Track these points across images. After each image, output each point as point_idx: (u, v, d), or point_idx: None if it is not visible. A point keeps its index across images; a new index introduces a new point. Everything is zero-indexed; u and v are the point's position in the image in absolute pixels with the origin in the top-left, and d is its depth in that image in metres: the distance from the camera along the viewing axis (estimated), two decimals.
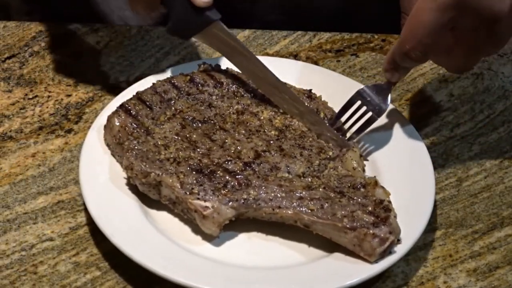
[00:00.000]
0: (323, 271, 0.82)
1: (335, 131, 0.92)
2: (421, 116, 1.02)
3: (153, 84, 0.96)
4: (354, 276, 0.81)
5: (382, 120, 0.95)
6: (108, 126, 0.91)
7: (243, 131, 0.91)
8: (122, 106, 0.92)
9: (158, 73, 1.01)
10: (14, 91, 1.03)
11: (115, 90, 1.01)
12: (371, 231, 0.82)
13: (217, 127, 0.92)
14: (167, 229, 0.86)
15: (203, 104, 0.95)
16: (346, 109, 0.94)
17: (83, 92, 1.03)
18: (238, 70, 0.97)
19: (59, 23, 1.13)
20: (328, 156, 0.90)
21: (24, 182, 0.93)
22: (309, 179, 0.87)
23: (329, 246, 0.85)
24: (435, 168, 0.92)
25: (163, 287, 0.82)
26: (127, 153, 0.87)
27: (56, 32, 1.11)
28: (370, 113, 0.93)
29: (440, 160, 0.97)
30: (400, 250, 0.83)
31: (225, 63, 0.99)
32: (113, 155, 0.91)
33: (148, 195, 0.87)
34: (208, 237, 0.85)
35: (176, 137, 0.90)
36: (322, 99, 0.96)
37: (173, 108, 0.94)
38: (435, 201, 0.91)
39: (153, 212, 0.88)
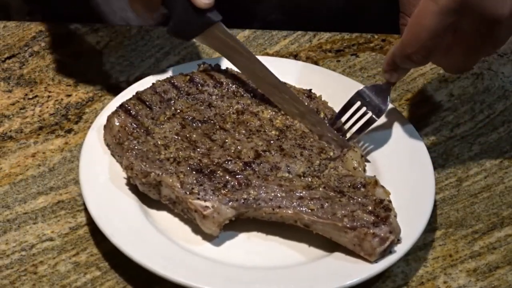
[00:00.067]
0: (323, 271, 0.82)
1: (336, 132, 0.92)
2: (421, 116, 1.02)
3: (153, 84, 0.96)
4: (354, 276, 0.81)
5: (382, 120, 0.95)
6: (108, 126, 0.91)
7: (243, 131, 0.91)
8: (122, 106, 0.92)
9: (158, 73, 1.01)
10: (14, 91, 1.03)
11: (115, 90, 1.01)
12: (371, 231, 0.82)
13: (217, 127, 0.92)
14: (167, 229, 0.86)
15: (203, 104, 0.95)
16: (346, 110, 0.94)
17: (83, 92, 1.03)
18: (238, 70, 0.97)
19: (59, 23, 1.13)
20: (329, 157, 0.90)
21: (24, 182, 0.93)
22: (309, 178, 0.87)
23: (329, 246, 0.85)
24: (435, 168, 0.92)
25: (163, 287, 0.82)
26: (127, 153, 0.87)
27: (56, 32, 1.11)
28: (369, 114, 0.93)
29: (440, 160, 0.97)
30: (400, 250, 0.83)
31: (225, 63, 0.99)
32: (113, 155, 0.91)
33: (148, 195, 0.87)
34: (208, 237, 0.85)
35: (176, 137, 0.90)
36: (322, 99, 0.96)
37: (173, 108, 0.94)
38: (435, 201, 0.91)
39: (153, 212, 0.88)
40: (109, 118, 0.91)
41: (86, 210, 0.88)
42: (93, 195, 0.86)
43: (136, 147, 0.88)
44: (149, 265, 0.80)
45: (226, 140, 0.90)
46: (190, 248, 0.84)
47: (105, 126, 0.92)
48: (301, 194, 0.85)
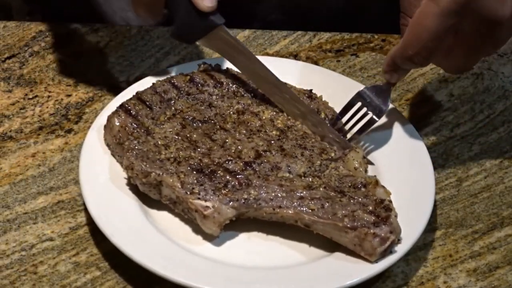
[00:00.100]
0: (324, 271, 0.82)
1: (337, 132, 0.92)
2: (421, 116, 1.02)
3: (153, 84, 0.96)
4: (355, 276, 0.81)
5: (382, 120, 0.95)
6: (108, 126, 0.91)
7: (244, 131, 0.91)
8: (122, 106, 0.92)
9: (158, 73, 1.01)
10: (14, 91, 1.03)
11: (115, 90, 1.01)
12: (371, 231, 0.82)
13: (218, 127, 0.92)
14: (167, 229, 0.86)
15: (203, 104, 0.95)
16: (347, 111, 0.94)
17: (83, 92, 1.03)
18: (238, 70, 0.97)
19: (59, 23, 1.13)
20: (330, 157, 0.90)
21: (24, 182, 0.93)
22: (310, 178, 0.87)
23: (330, 246, 0.85)
24: (435, 168, 0.92)
25: (163, 287, 0.82)
26: (128, 153, 0.87)
27: (56, 32, 1.11)
28: (370, 115, 0.93)
29: (440, 160, 0.97)
30: (400, 250, 0.83)
31: (225, 63, 0.99)
32: (113, 155, 0.91)
33: (149, 195, 0.87)
34: (208, 237, 0.85)
35: (176, 137, 0.90)
36: (323, 100, 0.96)
37: (173, 108, 0.94)
38: (435, 201, 0.91)
39: (153, 212, 0.88)
40: (109, 118, 0.91)
41: (86, 210, 0.88)
42: (93, 195, 0.86)
43: (136, 147, 0.88)
44: (149, 265, 0.80)
45: (227, 140, 0.90)
46: (191, 248, 0.84)
47: (105, 126, 0.92)
48: (301, 194, 0.85)
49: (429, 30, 0.84)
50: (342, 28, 1.14)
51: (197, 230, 0.85)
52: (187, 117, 0.92)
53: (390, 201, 0.85)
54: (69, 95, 1.03)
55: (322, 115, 0.94)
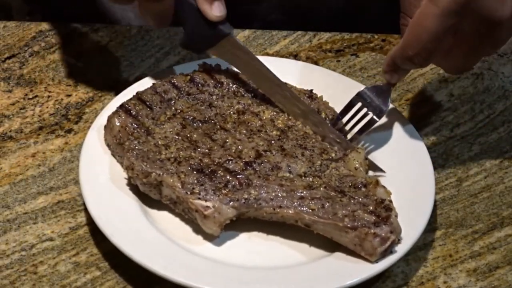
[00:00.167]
0: (324, 270, 0.82)
1: (338, 132, 0.92)
2: (421, 116, 1.02)
3: (153, 84, 0.96)
4: (355, 276, 0.81)
5: (382, 120, 0.95)
6: (108, 126, 0.91)
7: (244, 131, 0.91)
8: (122, 106, 0.92)
9: (158, 73, 1.01)
10: (14, 91, 1.03)
11: (115, 90, 1.01)
12: (372, 231, 0.82)
13: (218, 127, 0.92)
14: (167, 229, 0.86)
15: (203, 104, 0.95)
16: (347, 111, 0.94)
17: (83, 92, 1.03)
18: (238, 71, 0.97)
19: (59, 23, 1.13)
20: (330, 157, 0.90)
21: (24, 182, 0.93)
22: (310, 178, 0.87)
23: (330, 245, 0.85)
24: (435, 168, 0.92)
25: (163, 287, 0.82)
26: (128, 153, 0.87)
27: (56, 32, 1.11)
28: (370, 115, 0.93)
29: (440, 160, 0.97)
30: (400, 250, 0.83)
31: (226, 63, 0.99)
32: (113, 155, 0.91)
33: (149, 195, 0.87)
34: (208, 237, 0.85)
35: (176, 137, 0.90)
36: (323, 100, 0.96)
37: (173, 108, 0.94)
38: (435, 201, 0.91)
39: (153, 212, 0.88)
40: (110, 118, 0.91)
41: (86, 210, 0.88)
42: (93, 195, 0.86)
43: (136, 147, 0.88)
44: (149, 265, 0.80)
45: (227, 140, 0.90)
46: (191, 248, 0.84)
47: (105, 126, 0.92)
48: (302, 194, 0.85)
49: (429, 31, 0.84)
50: (342, 28, 1.14)
51: (198, 230, 0.85)
52: (187, 117, 0.92)
53: (391, 201, 0.85)
54: (69, 95, 1.03)
55: (323, 115, 0.94)
